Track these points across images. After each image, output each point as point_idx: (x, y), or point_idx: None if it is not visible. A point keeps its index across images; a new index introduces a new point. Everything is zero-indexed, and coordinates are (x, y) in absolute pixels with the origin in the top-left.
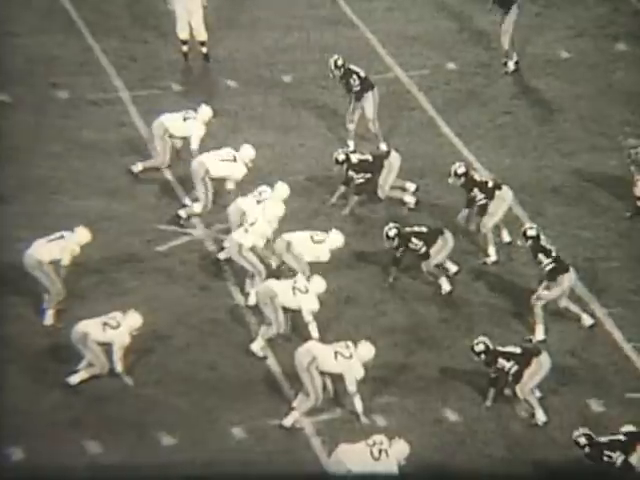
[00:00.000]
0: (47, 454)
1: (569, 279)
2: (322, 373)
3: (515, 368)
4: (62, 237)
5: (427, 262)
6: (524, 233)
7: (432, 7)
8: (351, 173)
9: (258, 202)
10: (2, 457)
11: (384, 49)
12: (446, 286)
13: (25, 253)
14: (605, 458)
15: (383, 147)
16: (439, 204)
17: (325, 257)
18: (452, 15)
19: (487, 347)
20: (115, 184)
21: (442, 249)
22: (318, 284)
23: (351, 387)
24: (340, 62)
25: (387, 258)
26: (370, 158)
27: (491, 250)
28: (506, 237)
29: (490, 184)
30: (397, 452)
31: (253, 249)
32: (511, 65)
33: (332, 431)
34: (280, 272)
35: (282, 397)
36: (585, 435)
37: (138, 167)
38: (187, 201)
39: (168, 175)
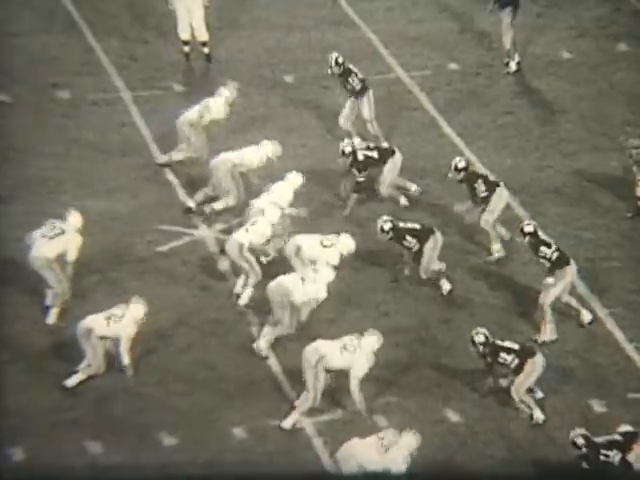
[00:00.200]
0: (48, 454)
1: (571, 272)
2: (328, 371)
3: (516, 362)
4: (61, 232)
5: (424, 267)
6: (521, 230)
7: (434, 7)
8: (354, 171)
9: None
10: (3, 457)
11: (386, 49)
12: (447, 286)
13: (30, 255)
14: (602, 457)
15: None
16: (440, 204)
17: (334, 261)
18: (454, 16)
19: (487, 338)
20: (116, 184)
21: (433, 249)
22: (327, 274)
23: (353, 381)
24: (341, 60)
25: (389, 258)
26: (376, 155)
27: (495, 246)
28: (505, 235)
29: (491, 178)
30: (406, 444)
31: (251, 247)
32: (513, 65)
33: (333, 432)
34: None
35: (283, 397)
36: (582, 436)
37: (178, 155)
38: (194, 199)
39: (169, 176)
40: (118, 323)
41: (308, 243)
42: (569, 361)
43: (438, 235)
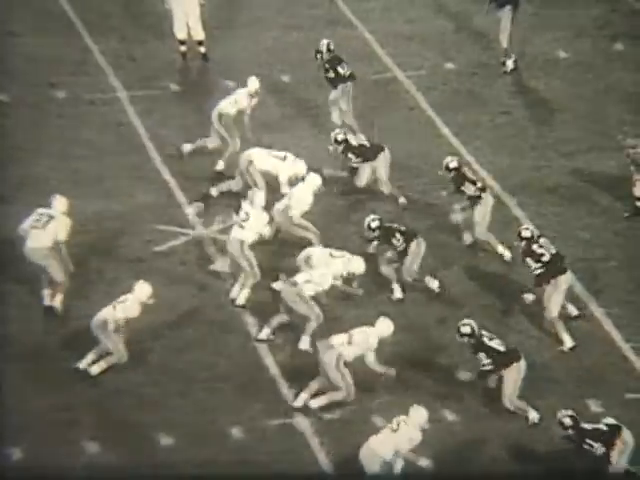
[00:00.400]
0: (46, 454)
1: (566, 281)
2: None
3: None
4: (50, 218)
5: (407, 268)
6: (519, 234)
7: (430, 7)
8: (350, 155)
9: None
10: (1, 457)
11: (382, 49)
12: (433, 284)
13: (27, 247)
14: (586, 446)
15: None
16: (437, 204)
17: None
18: (450, 15)
19: (473, 330)
20: (114, 184)
21: (417, 252)
22: (335, 266)
23: (371, 362)
24: (332, 46)
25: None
26: (367, 144)
27: (500, 249)
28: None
29: (479, 184)
30: (416, 418)
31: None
32: (510, 64)
33: (331, 431)
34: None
35: (280, 397)
36: (570, 417)
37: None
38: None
39: (166, 175)
40: (123, 304)
41: (319, 253)
42: (566, 361)
43: (421, 240)
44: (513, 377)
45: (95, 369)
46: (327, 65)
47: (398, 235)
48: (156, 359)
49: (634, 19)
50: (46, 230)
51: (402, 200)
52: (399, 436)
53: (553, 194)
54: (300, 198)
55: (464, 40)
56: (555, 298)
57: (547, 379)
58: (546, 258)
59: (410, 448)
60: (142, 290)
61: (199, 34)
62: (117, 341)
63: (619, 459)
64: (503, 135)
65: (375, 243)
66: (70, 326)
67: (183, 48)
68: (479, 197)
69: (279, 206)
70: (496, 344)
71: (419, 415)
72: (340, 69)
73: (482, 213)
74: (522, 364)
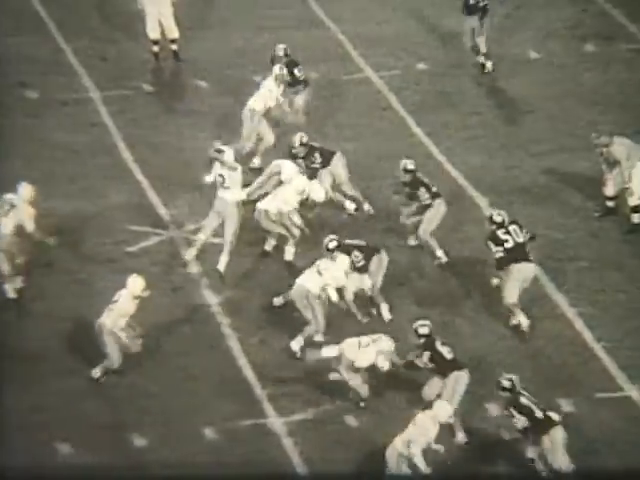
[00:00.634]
0: (18, 455)
1: (523, 270)
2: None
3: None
4: (12, 206)
5: (373, 288)
6: (490, 217)
7: (402, 8)
8: (316, 156)
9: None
10: None
11: (355, 50)
12: (387, 314)
13: None
14: (510, 413)
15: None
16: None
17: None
18: (421, 16)
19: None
20: (86, 184)
21: (378, 268)
22: (343, 260)
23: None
24: (289, 51)
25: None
26: (319, 147)
27: (439, 253)
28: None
29: (434, 189)
30: (437, 413)
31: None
32: (489, 65)
33: (304, 432)
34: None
35: (254, 398)
36: (509, 380)
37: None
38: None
39: (139, 175)
40: (116, 303)
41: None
42: (537, 360)
43: (383, 255)
44: (451, 384)
45: (96, 371)
46: (287, 70)
47: (357, 252)
48: (128, 359)
49: (604, 20)
50: (7, 218)
51: (367, 207)
52: (416, 429)
53: (524, 194)
54: (286, 199)
55: (436, 41)
56: (510, 285)
57: (519, 379)
58: (509, 245)
59: (425, 440)
60: (135, 284)
61: (173, 32)
62: (113, 346)
63: (555, 458)
64: (474, 135)
65: None
66: (40, 326)
67: (155, 48)
68: (430, 205)
69: (262, 205)
70: (446, 351)
71: (442, 410)
72: (297, 72)
73: (432, 217)
74: (464, 374)
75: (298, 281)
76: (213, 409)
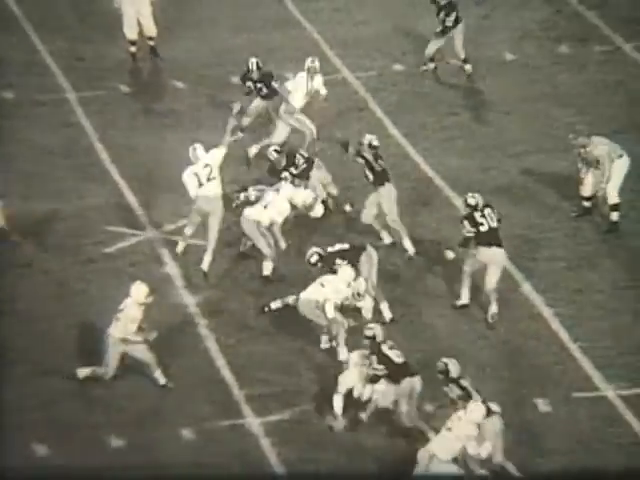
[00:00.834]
0: None
1: (490, 255)
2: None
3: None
4: None
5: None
6: (465, 200)
7: (378, 9)
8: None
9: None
10: None
11: (331, 50)
12: (387, 314)
13: None
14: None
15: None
16: None
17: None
18: (398, 17)
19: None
20: (62, 185)
21: (369, 265)
22: (345, 272)
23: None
24: (261, 64)
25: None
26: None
27: (384, 234)
28: (387, 238)
29: (379, 170)
30: (472, 415)
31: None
32: (469, 67)
33: (282, 432)
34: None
35: (232, 398)
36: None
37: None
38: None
39: (116, 176)
40: (122, 312)
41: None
42: (514, 360)
43: (371, 250)
44: (403, 389)
45: (81, 372)
46: (260, 83)
47: (339, 260)
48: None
49: (578, 21)
50: None
51: (348, 208)
52: (455, 435)
53: (501, 194)
54: (279, 209)
55: (412, 42)
56: (468, 264)
57: (495, 378)
58: (484, 228)
59: (467, 444)
60: (139, 291)
61: (152, 30)
62: (114, 358)
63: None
64: (451, 136)
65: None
66: (17, 327)
67: (133, 49)
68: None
69: (249, 212)
70: (395, 355)
71: (476, 411)
72: (274, 84)
73: (373, 201)
74: (417, 380)
75: (303, 295)
76: (191, 410)
